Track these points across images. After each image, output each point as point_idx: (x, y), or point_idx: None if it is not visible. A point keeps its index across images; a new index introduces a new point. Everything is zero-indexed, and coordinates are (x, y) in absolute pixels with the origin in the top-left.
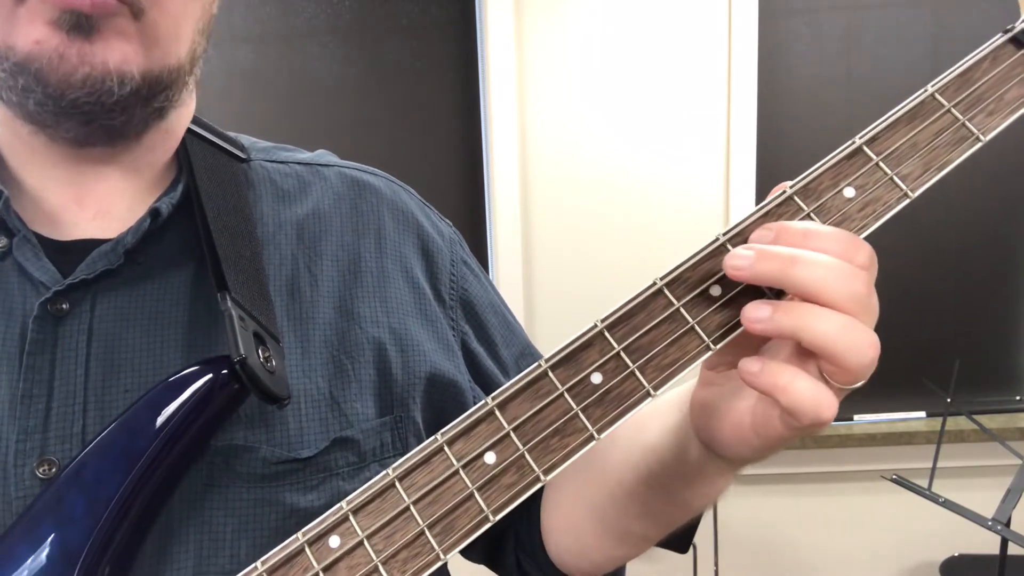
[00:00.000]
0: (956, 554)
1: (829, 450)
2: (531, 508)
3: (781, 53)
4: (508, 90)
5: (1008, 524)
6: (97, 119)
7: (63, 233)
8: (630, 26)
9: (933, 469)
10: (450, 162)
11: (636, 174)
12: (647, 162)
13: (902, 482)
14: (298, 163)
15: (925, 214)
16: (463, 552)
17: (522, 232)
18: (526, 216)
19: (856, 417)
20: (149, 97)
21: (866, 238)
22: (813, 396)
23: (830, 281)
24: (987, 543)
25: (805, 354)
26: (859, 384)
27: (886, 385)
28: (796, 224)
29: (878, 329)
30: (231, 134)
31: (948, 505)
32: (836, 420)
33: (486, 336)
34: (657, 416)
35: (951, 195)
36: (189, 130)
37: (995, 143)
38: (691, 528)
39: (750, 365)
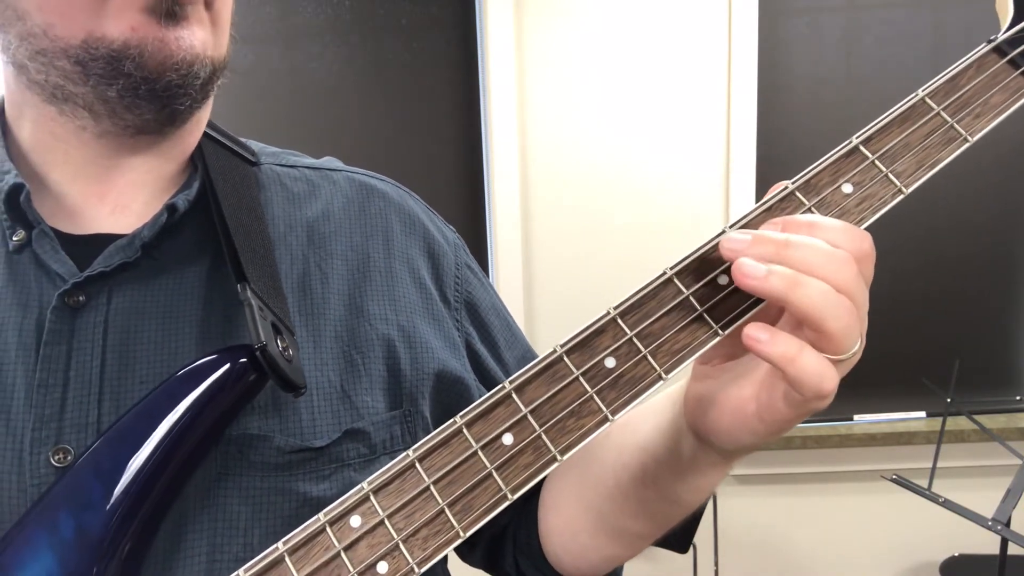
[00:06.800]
0: (956, 554)
1: (829, 450)
2: (529, 511)
3: (781, 53)
4: (508, 90)
5: (1008, 524)
6: (172, 103)
7: (80, 227)
8: (630, 26)
9: (933, 469)
10: (450, 162)
11: (636, 174)
12: (647, 162)
13: (902, 482)
14: (307, 167)
15: (926, 215)
16: (463, 557)
17: (522, 232)
18: (526, 216)
19: (856, 417)
20: (208, 83)
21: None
22: (817, 366)
23: (820, 263)
24: (987, 543)
25: (801, 333)
26: (846, 357)
27: (886, 385)
28: (801, 216)
29: (879, 328)
30: (241, 139)
31: (948, 505)
32: (836, 420)
33: (489, 338)
34: (649, 415)
35: (952, 196)
36: (204, 132)
37: (995, 146)
38: (691, 528)
39: (759, 332)
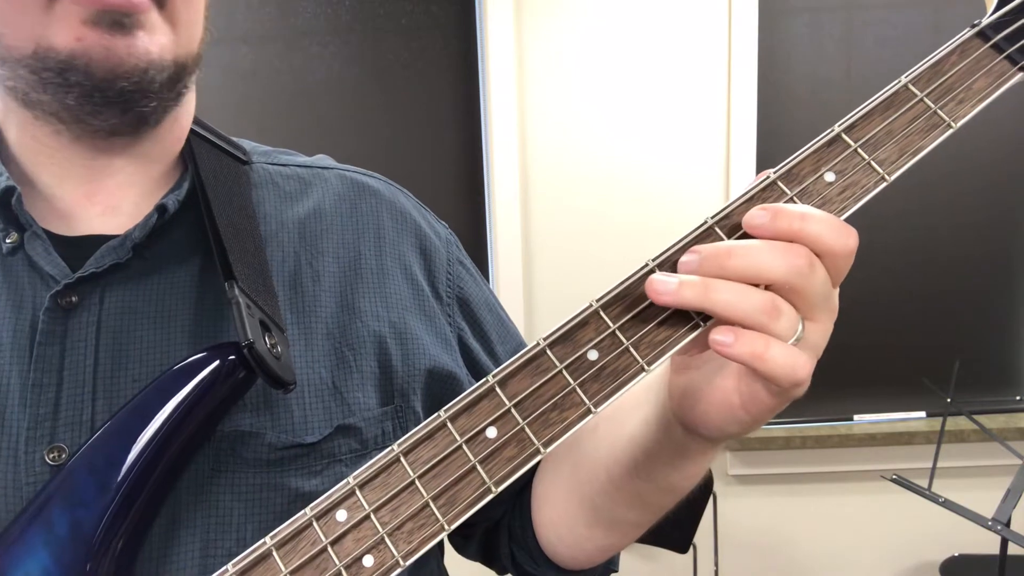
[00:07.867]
0: (956, 554)
1: (829, 450)
2: (523, 503)
3: (781, 53)
4: (508, 90)
5: (1008, 524)
6: (135, 106)
7: (71, 229)
8: (630, 26)
9: (933, 469)
10: (450, 162)
11: (636, 174)
12: (647, 162)
13: (902, 482)
14: (298, 166)
15: (926, 214)
16: (459, 550)
17: (522, 232)
18: (526, 216)
19: (856, 417)
20: (175, 82)
21: (857, 229)
22: (787, 358)
23: (742, 264)
24: (987, 543)
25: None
26: (794, 341)
27: (886, 385)
28: (793, 207)
29: (879, 328)
30: (233, 138)
31: (948, 505)
32: (836, 420)
33: (482, 333)
34: (634, 408)
35: (951, 195)
36: (193, 131)
37: (994, 144)
38: (691, 528)
39: (724, 336)
